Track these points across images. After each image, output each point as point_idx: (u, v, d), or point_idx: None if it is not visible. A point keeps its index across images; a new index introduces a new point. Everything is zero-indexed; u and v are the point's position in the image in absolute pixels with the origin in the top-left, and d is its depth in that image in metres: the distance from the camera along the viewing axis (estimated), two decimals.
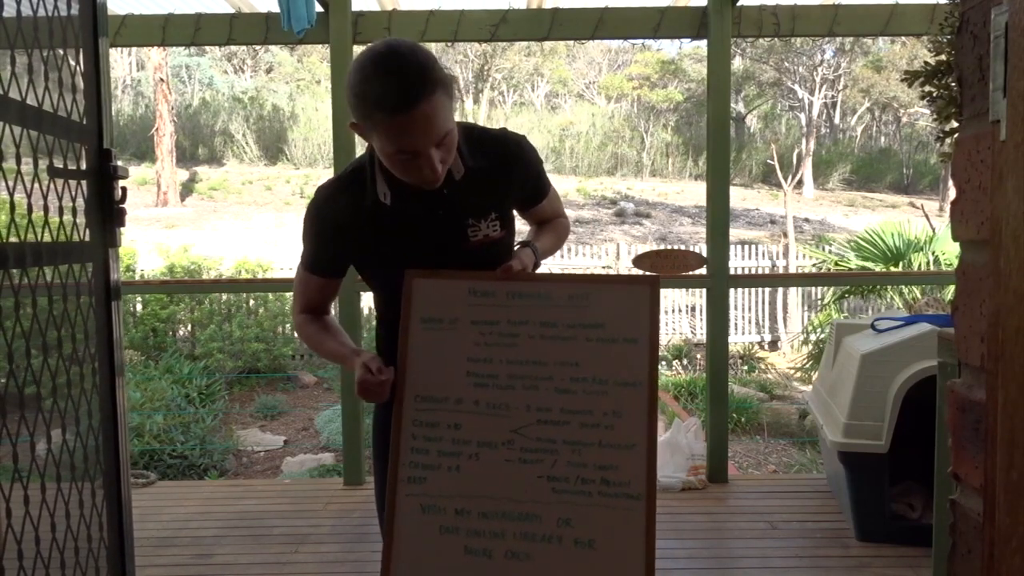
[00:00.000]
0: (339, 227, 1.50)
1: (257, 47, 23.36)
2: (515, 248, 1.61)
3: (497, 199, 1.54)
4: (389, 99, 1.28)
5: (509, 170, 1.54)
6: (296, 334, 1.63)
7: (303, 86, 24.68)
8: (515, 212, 1.66)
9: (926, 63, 2.29)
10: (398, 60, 1.30)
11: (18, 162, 1.44)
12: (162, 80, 16.91)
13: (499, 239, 1.56)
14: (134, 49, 20.97)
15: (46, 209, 1.54)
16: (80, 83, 1.71)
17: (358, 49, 3.56)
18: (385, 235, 1.50)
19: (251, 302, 8.70)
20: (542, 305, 1.46)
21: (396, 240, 1.50)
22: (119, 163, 1.83)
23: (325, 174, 18.82)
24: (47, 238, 1.55)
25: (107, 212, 1.79)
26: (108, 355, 1.79)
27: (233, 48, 24.75)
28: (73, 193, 1.66)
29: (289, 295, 8.99)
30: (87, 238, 1.72)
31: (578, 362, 1.43)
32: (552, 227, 1.72)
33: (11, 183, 1.42)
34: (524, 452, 1.42)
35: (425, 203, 1.47)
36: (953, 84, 2.18)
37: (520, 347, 1.46)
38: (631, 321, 1.43)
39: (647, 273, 1.45)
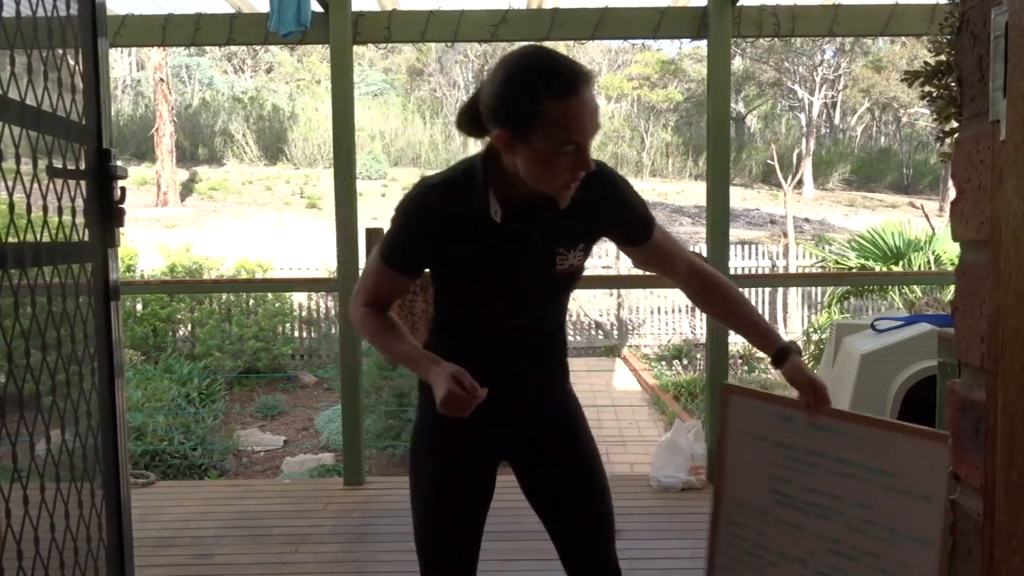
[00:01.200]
0: (436, 231, 1.44)
1: (257, 47, 23.35)
2: (781, 353, 1.56)
3: (588, 231, 1.52)
4: (561, 85, 1.27)
5: (606, 205, 1.50)
6: (355, 324, 1.57)
7: (303, 86, 24.67)
8: (622, 250, 1.61)
9: (926, 63, 2.29)
10: (553, 53, 1.33)
11: (17, 162, 1.44)
12: (162, 80, 16.91)
13: (579, 268, 1.54)
14: (134, 49, 20.95)
15: (45, 209, 1.54)
16: (79, 83, 1.71)
17: (358, 49, 3.56)
18: (481, 248, 1.45)
19: (251, 302, 8.70)
20: (839, 441, 1.50)
21: (489, 255, 1.45)
22: (118, 163, 1.83)
23: (325, 174, 18.80)
24: (46, 238, 1.55)
25: (106, 212, 1.79)
26: (107, 355, 1.79)
27: (233, 48, 24.74)
28: (72, 193, 1.66)
29: (289, 295, 9.02)
30: (86, 238, 1.72)
31: (870, 505, 1.45)
32: (739, 299, 1.63)
33: (11, 183, 1.42)
34: (816, 574, 1.49)
35: (527, 226, 1.43)
36: (953, 84, 2.18)
37: (817, 476, 1.51)
38: (925, 477, 1.42)
39: (941, 431, 1.46)
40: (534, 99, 1.28)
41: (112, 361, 1.80)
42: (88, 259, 1.72)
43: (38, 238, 1.51)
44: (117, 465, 1.80)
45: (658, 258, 1.60)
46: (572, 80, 1.28)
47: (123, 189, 1.83)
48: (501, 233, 1.42)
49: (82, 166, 1.72)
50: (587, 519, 1.61)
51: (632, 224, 1.55)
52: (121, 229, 1.85)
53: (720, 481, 1.60)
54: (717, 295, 1.62)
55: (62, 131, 1.63)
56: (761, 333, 1.60)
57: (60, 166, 1.62)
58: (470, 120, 1.42)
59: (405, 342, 1.49)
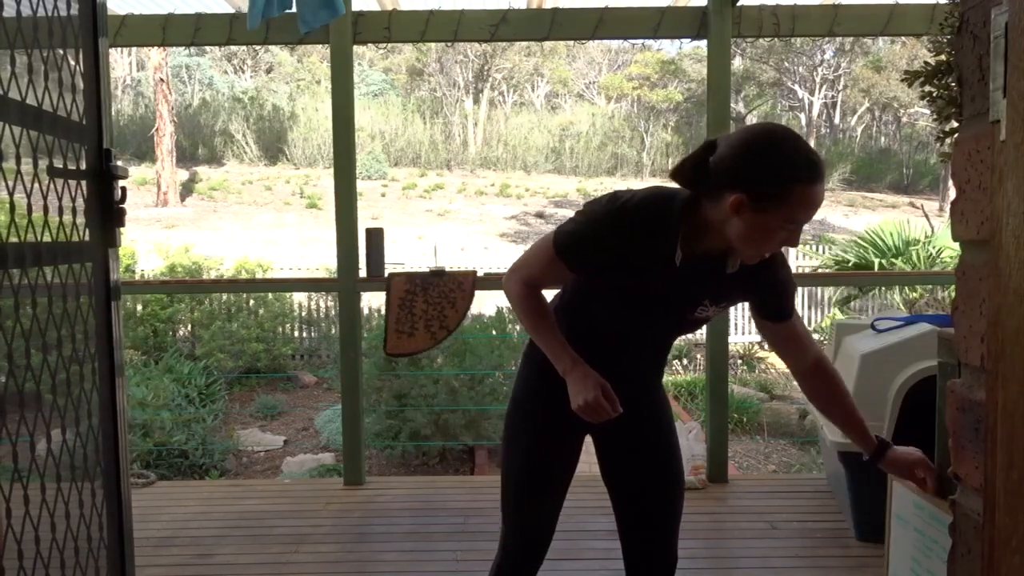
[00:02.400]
0: (618, 250, 1.54)
1: (257, 47, 23.35)
2: (880, 451, 1.67)
3: (739, 294, 1.64)
4: (814, 172, 1.41)
5: (767, 280, 1.60)
6: (512, 296, 1.71)
7: (303, 86, 24.69)
8: (755, 321, 1.70)
9: (926, 63, 2.29)
10: (802, 139, 1.47)
11: (18, 162, 1.44)
12: (162, 80, 16.92)
13: (710, 319, 1.67)
14: (134, 49, 20.97)
15: (45, 209, 1.54)
16: (80, 83, 1.71)
17: (358, 49, 3.56)
18: (646, 279, 1.58)
19: (251, 302, 8.70)
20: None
21: (649, 287, 1.59)
22: (119, 163, 1.83)
23: (325, 174, 18.81)
24: (47, 238, 1.55)
25: (107, 212, 1.79)
26: (108, 355, 1.79)
27: (233, 48, 24.74)
28: (73, 193, 1.66)
29: (289, 295, 9.02)
30: (87, 238, 1.72)
31: None
32: (852, 406, 1.70)
33: (11, 183, 1.42)
34: None
35: (695, 276, 1.56)
36: (953, 84, 2.18)
37: (933, 564, 1.61)
38: None
39: None
40: (788, 179, 1.40)
41: (113, 361, 1.80)
42: (89, 259, 1.72)
43: (38, 238, 1.51)
44: (118, 465, 1.80)
45: (786, 341, 1.67)
46: (820, 170, 1.43)
47: (123, 189, 1.84)
48: (670, 274, 1.54)
49: (82, 166, 1.72)
50: (657, 507, 1.74)
51: (777, 304, 1.64)
52: (121, 229, 1.85)
53: (886, 552, 1.80)
54: (835, 400, 1.69)
55: (63, 131, 1.63)
56: (864, 436, 1.68)
57: (60, 166, 1.62)
58: (693, 172, 1.49)
59: (556, 334, 1.62)
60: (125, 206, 1.85)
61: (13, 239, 1.42)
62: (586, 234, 1.55)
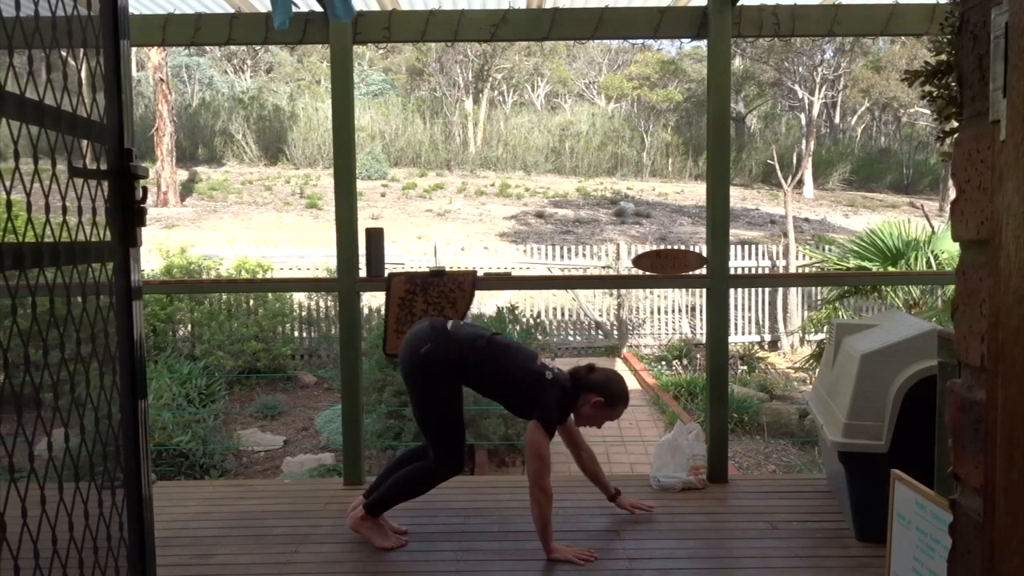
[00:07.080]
0: (561, 415, 2.99)
1: (257, 47, 23.36)
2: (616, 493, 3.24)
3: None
4: (628, 401, 3.01)
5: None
6: (549, 496, 2.89)
7: (303, 86, 24.68)
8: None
9: (926, 63, 2.29)
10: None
11: (36, 161, 1.44)
12: (162, 80, 16.91)
13: None
14: (134, 49, 20.94)
15: (64, 209, 1.54)
16: (100, 83, 1.71)
17: (358, 49, 3.56)
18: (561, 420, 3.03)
19: (251, 302, 8.70)
20: None
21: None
22: (139, 163, 1.84)
23: (325, 174, 18.84)
24: (67, 238, 1.55)
25: (128, 212, 1.79)
26: (129, 354, 1.79)
27: (233, 48, 24.75)
28: (93, 193, 1.66)
29: (288, 295, 9.03)
30: (107, 238, 1.72)
31: None
32: (594, 459, 3.27)
33: (31, 183, 1.42)
34: None
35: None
36: (953, 84, 2.18)
37: (935, 563, 1.77)
38: None
39: None
40: (621, 399, 2.95)
41: (133, 360, 1.80)
42: (109, 259, 1.72)
43: (58, 238, 1.51)
44: (139, 463, 1.80)
45: (572, 434, 3.14)
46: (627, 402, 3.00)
47: (144, 189, 1.84)
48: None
49: (102, 166, 1.72)
50: None
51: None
52: (141, 228, 1.85)
53: (887, 551, 1.92)
54: (589, 464, 3.18)
55: (83, 131, 1.63)
56: (605, 486, 3.20)
57: (80, 166, 1.62)
58: (576, 381, 2.97)
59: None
60: (145, 205, 1.86)
61: (33, 239, 1.42)
62: (552, 416, 2.80)
